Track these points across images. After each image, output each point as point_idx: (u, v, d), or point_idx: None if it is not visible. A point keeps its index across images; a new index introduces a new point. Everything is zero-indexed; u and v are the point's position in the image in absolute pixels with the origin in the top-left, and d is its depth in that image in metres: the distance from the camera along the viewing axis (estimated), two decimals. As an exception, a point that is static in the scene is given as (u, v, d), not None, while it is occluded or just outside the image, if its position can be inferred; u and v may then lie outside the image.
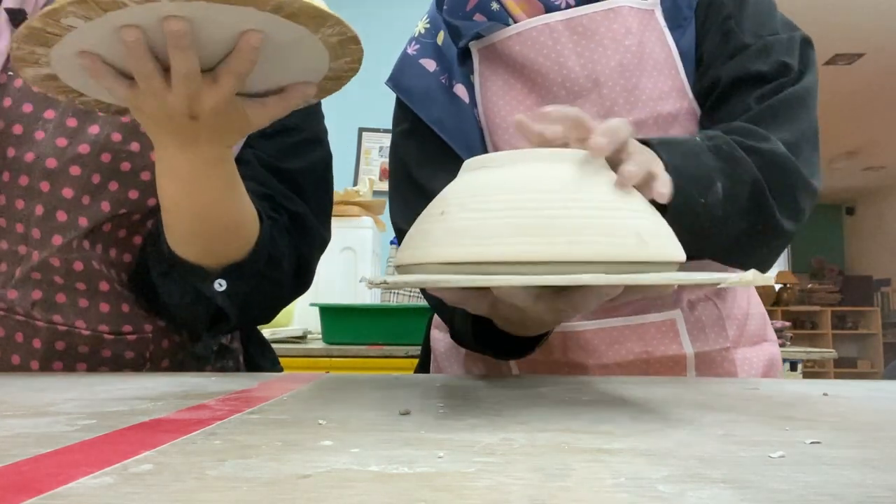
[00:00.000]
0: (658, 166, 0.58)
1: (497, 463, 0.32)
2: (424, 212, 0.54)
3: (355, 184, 3.09)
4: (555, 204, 0.48)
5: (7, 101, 0.75)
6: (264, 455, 0.33)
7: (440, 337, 0.95)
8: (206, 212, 0.66)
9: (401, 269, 0.54)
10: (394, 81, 0.87)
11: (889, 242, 8.27)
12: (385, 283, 0.43)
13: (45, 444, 0.36)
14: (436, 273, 0.49)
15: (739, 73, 0.76)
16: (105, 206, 0.75)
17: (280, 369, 0.97)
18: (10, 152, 0.74)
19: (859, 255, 8.83)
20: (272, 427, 0.41)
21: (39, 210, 0.74)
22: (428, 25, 0.89)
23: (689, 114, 0.78)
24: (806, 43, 0.79)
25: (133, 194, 0.76)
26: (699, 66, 0.80)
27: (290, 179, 0.81)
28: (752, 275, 0.43)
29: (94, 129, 0.75)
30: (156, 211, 0.75)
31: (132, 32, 0.49)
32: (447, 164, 0.73)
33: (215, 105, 0.55)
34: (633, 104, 0.78)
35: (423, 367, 0.98)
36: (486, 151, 0.82)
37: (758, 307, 0.90)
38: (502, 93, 0.83)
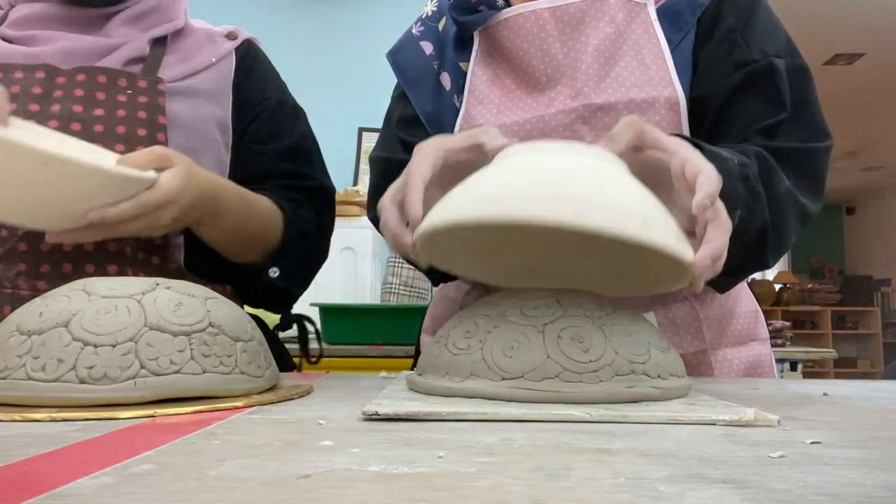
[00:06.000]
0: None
1: (497, 463, 0.32)
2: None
3: (355, 184, 3.08)
4: (572, 177, 0.49)
5: None
6: (264, 455, 0.33)
7: (428, 341, 0.96)
8: (233, 234, 0.82)
9: (421, 235, 0.54)
10: (393, 57, 0.93)
11: (889, 242, 8.26)
12: (377, 413, 0.44)
13: (45, 444, 0.36)
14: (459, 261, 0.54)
15: (741, 87, 0.77)
16: None
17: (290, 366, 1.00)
18: None
19: (859, 255, 8.83)
20: (272, 427, 0.41)
21: None
22: (435, 9, 0.93)
23: (667, 102, 0.78)
24: (806, 73, 0.79)
25: (119, 148, 0.78)
26: (695, 69, 0.80)
27: (294, 151, 0.94)
28: (752, 414, 0.43)
29: (55, 108, 0.78)
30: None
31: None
32: (423, 128, 0.88)
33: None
34: (603, 88, 0.79)
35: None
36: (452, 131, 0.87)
37: (748, 305, 0.88)
38: (490, 81, 0.86)
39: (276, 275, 0.87)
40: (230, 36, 0.94)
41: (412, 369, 1.01)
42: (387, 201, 0.62)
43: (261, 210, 0.85)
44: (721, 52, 0.79)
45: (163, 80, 0.83)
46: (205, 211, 0.76)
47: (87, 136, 0.77)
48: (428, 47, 0.90)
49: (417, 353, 1.00)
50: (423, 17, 0.94)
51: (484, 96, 0.85)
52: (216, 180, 0.78)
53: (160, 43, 0.88)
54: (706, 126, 0.79)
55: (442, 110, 0.88)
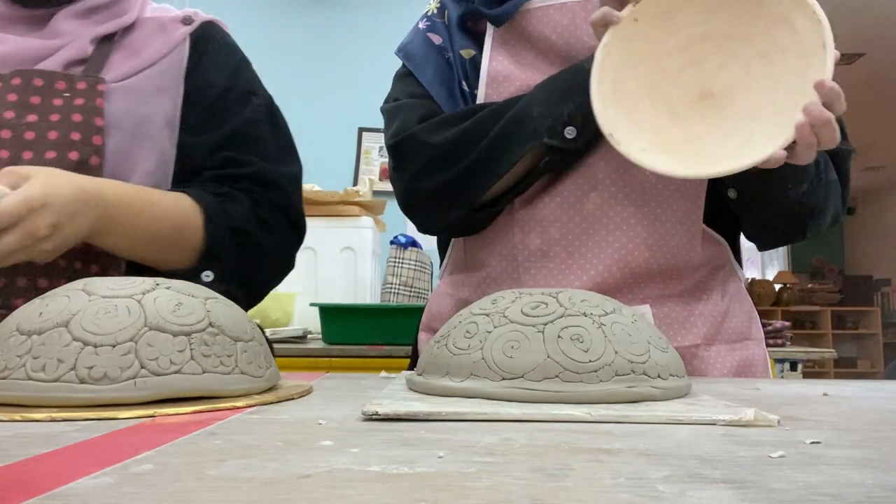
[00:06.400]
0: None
1: (497, 463, 0.32)
2: None
3: (355, 184, 3.08)
4: None
5: None
6: (264, 455, 0.33)
7: (425, 339, 0.96)
8: (142, 239, 0.75)
9: None
10: (404, 52, 0.95)
11: (889, 242, 8.26)
12: (377, 413, 0.44)
13: (45, 444, 0.36)
14: None
15: None
16: None
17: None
18: None
19: (859, 255, 8.83)
20: (272, 427, 0.41)
21: None
22: (439, 5, 0.96)
23: None
24: None
25: (50, 154, 0.75)
26: None
27: (235, 139, 0.86)
28: (752, 414, 0.44)
29: None
30: (83, 164, 0.76)
31: None
32: (435, 103, 0.88)
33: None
34: None
35: (413, 369, 0.99)
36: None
37: (744, 305, 0.89)
38: (511, 59, 0.87)
39: (210, 279, 0.79)
40: (186, 21, 0.87)
41: (410, 369, 1.01)
42: None
43: (166, 208, 0.77)
44: None
45: (104, 81, 0.79)
46: (95, 216, 0.69)
47: (18, 142, 0.74)
48: (437, 39, 0.92)
49: (415, 353, 1.00)
50: (428, 13, 0.96)
51: (504, 78, 0.86)
52: (97, 180, 0.71)
53: (107, 40, 0.83)
54: None
55: (453, 93, 0.89)
